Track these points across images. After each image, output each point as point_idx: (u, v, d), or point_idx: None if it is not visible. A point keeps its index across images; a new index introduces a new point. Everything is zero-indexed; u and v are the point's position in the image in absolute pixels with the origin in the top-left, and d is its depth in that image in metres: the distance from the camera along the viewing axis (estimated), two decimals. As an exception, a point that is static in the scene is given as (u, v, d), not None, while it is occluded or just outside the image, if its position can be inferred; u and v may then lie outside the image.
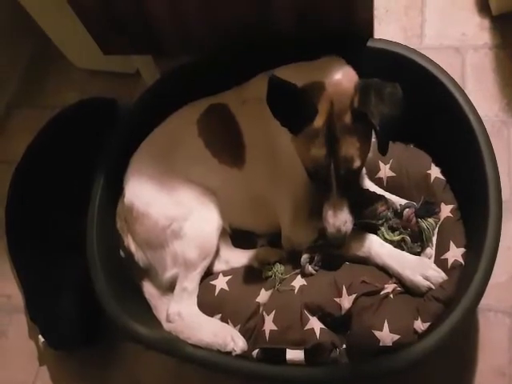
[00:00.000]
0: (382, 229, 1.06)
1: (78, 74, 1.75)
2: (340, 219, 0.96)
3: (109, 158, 1.29)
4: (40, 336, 1.36)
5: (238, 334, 1.08)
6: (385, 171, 1.17)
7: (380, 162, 1.17)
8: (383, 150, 0.93)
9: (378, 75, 1.16)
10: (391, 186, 1.16)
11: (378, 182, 1.18)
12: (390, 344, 0.92)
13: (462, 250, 1.00)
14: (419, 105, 1.15)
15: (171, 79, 1.33)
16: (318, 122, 0.94)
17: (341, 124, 0.93)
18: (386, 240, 1.05)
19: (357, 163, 0.95)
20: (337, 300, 1.01)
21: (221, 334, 1.07)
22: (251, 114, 1.14)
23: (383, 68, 1.14)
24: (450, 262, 0.99)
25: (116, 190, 1.25)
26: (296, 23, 1.19)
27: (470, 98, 1.07)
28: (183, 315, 1.13)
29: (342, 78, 1.00)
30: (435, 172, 1.12)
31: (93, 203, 1.24)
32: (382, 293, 0.99)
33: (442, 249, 1.03)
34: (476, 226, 0.98)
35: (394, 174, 1.16)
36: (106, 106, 1.58)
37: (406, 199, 1.12)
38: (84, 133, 1.52)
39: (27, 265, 1.45)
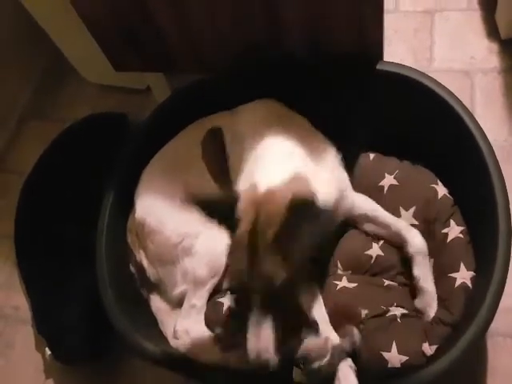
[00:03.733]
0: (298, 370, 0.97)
1: (90, 88, 1.78)
2: (261, 344, 0.85)
3: (119, 172, 1.30)
4: (47, 349, 1.36)
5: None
6: (388, 180, 1.16)
7: (386, 172, 1.17)
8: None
9: (388, 98, 1.16)
10: (391, 194, 1.14)
11: (379, 189, 1.16)
12: (399, 365, 0.92)
13: (472, 273, 1.00)
14: (427, 128, 1.16)
15: (183, 96, 1.35)
16: (241, 230, 0.88)
17: (263, 239, 0.86)
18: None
19: (279, 279, 0.86)
20: None
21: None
22: (235, 151, 1.13)
23: (392, 91, 1.16)
24: (457, 283, 0.98)
25: (126, 204, 1.25)
26: (307, 44, 1.20)
27: (479, 121, 1.08)
28: (190, 332, 1.12)
29: (279, 191, 0.90)
30: (443, 190, 1.11)
31: (102, 217, 1.25)
32: (388, 315, 0.99)
33: (449, 267, 1.01)
34: (485, 250, 0.98)
35: (396, 183, 1.15)
36: (116, 120, 1.60)
37: (405, 209, 1.11)
38: (94, 147, 1.54)
39: (35, 277, 1.46)
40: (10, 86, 1.80)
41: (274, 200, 0.88)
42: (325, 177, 1.00)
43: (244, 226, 0.88)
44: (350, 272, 1.10)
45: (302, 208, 0.86)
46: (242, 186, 0.97)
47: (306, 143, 1.04)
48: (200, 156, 1.18)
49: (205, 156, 1.18)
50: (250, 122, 1.14)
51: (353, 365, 0.95)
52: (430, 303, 1.02)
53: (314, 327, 0.98)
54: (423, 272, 1.04)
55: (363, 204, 1.13)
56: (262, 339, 0.85)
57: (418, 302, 1.04)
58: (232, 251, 0.91)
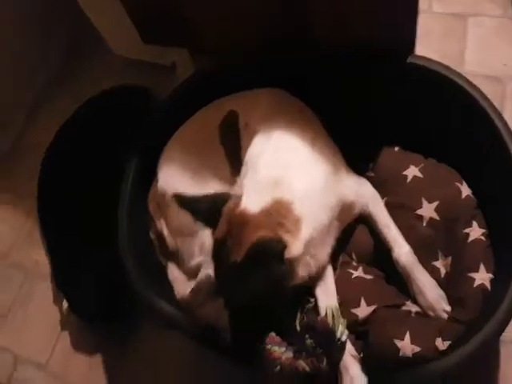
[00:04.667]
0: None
1: (115, 62, 1.78)
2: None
3: (143, 142, 1.32)
4: (64, 302, 1.42)
5: None
6: (413, 170, 1.12)
7: (411, 164, 1.13)
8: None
9: (417, 93, 1.14)
10: (413, 185, 1.10)
11: (402, 178, 1.12)
12: (410, 355, 0.92)
13: (491, 276, 0.98)
14: (456, 128, 1.13)
15: (207, 76, 1.35)
16: (215, 235, 0.94)
17: (226, 257, 0.90)
18: None
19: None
20: (353, 311, 1.02)
21: None
22: (245, 139, 1.15)
23: (422, 87, 1.14)
24: (476, 283, 0.97)
25: (149, 173, 1.27)
26: (335, 35, 1.18)
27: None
28: (203, 301, 1.15)
29: (252, 220, 0.91)
30: (467, 190, 1.08)
31: (125, 183, 1.27)
32: (402, 308, 0.99)
33: (469, 266, 0.99)
34: (505, 255, 0.98)
35: (421, 175, 1.10)
36: (139, 93, 1.61)
37: (427, 201, 1.07)
38: (116, 117, 1.56)
39: (57, 234, 1.51)
40: (36, 56, 1.81)
41: (245, 228, 0.90)
42: (320, 190, 1.00)
43: (217, 234, 0.93)
44: (365, 264, 1.10)
45: (264, 253, 0.87)
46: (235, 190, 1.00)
47: (308, 148, 1.04)
48: (216, 140, 1.21)
49: (222, 140, 1.21)
50: (260, 113, 1.14)
51: (356, 354, 0.96)
52: (432, 304, 1.02)
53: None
54: (416, 284, 1.03)
55: (370, 206, 1.12)
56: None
57: (421, 302, 1.04)
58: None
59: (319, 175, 1.02)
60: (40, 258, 1.58)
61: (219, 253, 0.92)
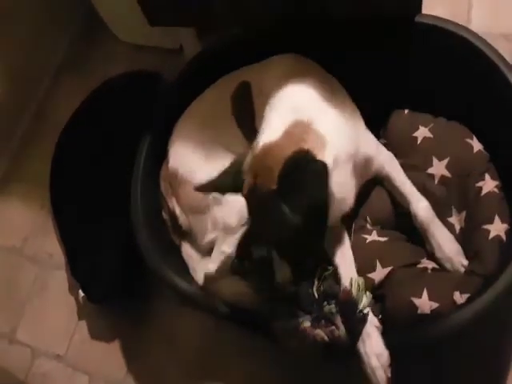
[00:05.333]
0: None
1: (124, 47, 1.78)
2: (281, 276, 0.92)
3: (154, 122, 1.32)
4: (80, 291, 1.41)
5: None
6: (422, 131, 1.12)
7: (420, 125, 1.13)
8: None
9: (427, 54, 1.13)
10: (424, 145, 1.11)
11: (412, 140, 1.12)
12: (428, 312, 0.91)
13: (506, 226, 0.98)
14: (467, 86, 1.12)
15: (214, 51, 1.35)
16: (243, 192, 0.90)
17: (265, 193, 0.86)
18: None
19: (290, 228, 0.84)
20: (369, 275, 1.01)
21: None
22: (260, 107, 1.11)
23: (432, 45, 1.13)
24: (491, 235, 0.97)
25: (160, 153, 1.27)
26: (345, 4, 1.15)
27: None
28: (218, 276, 1.14)
29: (275, 145, 0.88)
30: (478, 145, 1.08)
31: (137, 165, 1.27)
32: (418, 266, 0.99)
33: (484, 219, 0.99)
34: None
35: (431, 135, 1.10)
36: (150, 78, 1.61)
37: (438, 159, 1.07)
38: (129, 102, 1.55)
39: (69, 223, 1.51)
40: (45, 42, 1.82)
41: (269, 157, 0.87)
42: (338, 126, 0.97)
43: (245, 188, 0.89)
44: (379, 227, 1.10)
45: (300, 162, 0.84)
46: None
47: (326, 97, 1.01)
48: (227, 113, 1.20)
49: (234, 111, 1.20)
50: (274, 76, 1.12)
51: (378, 324, 0.94)
52: (450, 256, 1.01)
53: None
54: (434, 238, 1.02)
55: (387, 165, 1.11)
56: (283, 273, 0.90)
57: (439, 256, 1.03)
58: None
59: (341, 121, 0.98)
60: (54, 250, 1.58)
61: (251, 200, 0.88)
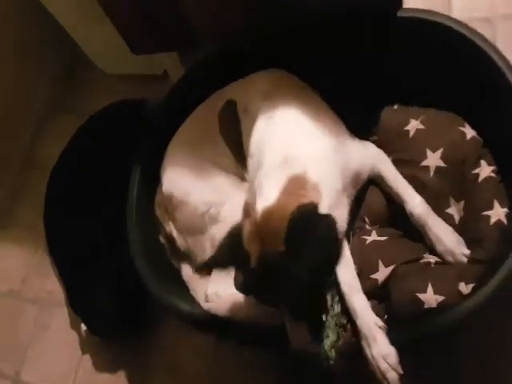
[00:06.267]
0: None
1: (109, 79, 1.81)
2: (302, 339, 0.89)
3: (144, 151, 1.33)
4: (82, 324, 1.39)
5: None
6: (414, 124, 1.11)
7: (411, 118, 1.12)
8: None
9: (412, 47, 1.13)
10: (416, 138, 1.09)
11: (404, 134, 1.11)
12: (435, 305, 0.89)
13: (506, 210, 0.96)
14: (454, 75, 1.13)
15: (196, 71, 1.37)
16: (253, 265, 0.86)
17: (272, 264, 0.84)
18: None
19: (302, 286, 0.84)
20: (373, 276, 1.00)
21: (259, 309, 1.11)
22: (246, 126, 1.14)
23: (417, 38, 1.13)
24: (492, 220, 0.95)
25: (152, 180, 1.27)
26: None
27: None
28: (221, 295, 1.13)
29: (275, 209, 0.88)
30: (471, 131, 1.07)
31: (131, 194, 1.28)
32: (421, 261, 0.97)
33: (483, 205, 0.98)
34: None
35: (422, 127, 1.09)
36: (136, 106, 1.61)
37: (431, 151, 1.06)
38: (116, 133, 1.56)
39: (66, 260, 1.49)
40: (29, 81, 1.83)
41: (272, 220, 0.86)
42: (328, 160, 0.98)
43: (253, 257, 0.86)
44: (377, 226, 1.08)
45: (305, 218, 0.85)
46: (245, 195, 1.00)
47: (310, 120, 1.03)
48: (216, 132, 1.21)
49: (222, 130, 1.20)
50: (258, 94, 1.14)
51: (382, 324, 0.93)
52: (450, 249, 1.00)
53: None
54: (433, 232, 1.02)
55: (378, 166, 1.11)
56: (299, 335, 0.88)
57: (440, 249, 1.01)
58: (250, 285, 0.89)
59: (326, 145, 1.00)
60: (53, 288, 1.56)
61: (261, 268, 0.85)
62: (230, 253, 0.92)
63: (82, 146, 1.62)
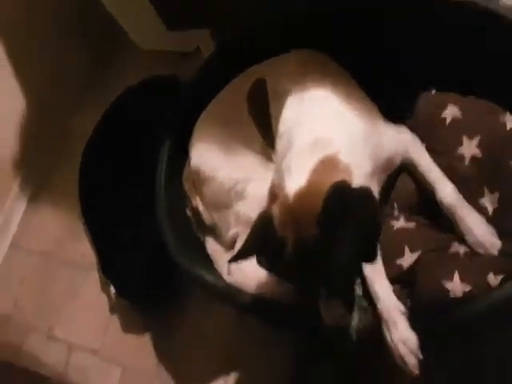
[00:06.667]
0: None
1: (143, 56, 1.83)
2: (335, 316, 0.87)
3: (174, 126, 1.35)
4: (112, 288, 1.46)
5: None
6: (451, 110, 1.06)
7: (449, 104, 1.07)
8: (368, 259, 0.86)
9: (447, 29, 1.08)
10: (453, 125, 1.05)
11: (441, 121, 1.07)
12: (461, 295, 0.86)
13: None
14: (493, 60, 1.08)
15: (228, 48, 1.37)
16: (289, 250, 0.83)
17: (310, 245, 0.82)
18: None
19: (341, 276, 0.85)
20: (398, 262, 0.98)
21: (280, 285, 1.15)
22: (275, 106, 1.13)
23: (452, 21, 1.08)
24: None
25: (181, 155, 1.30)
26: None
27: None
28: (243, 269, 1.14)
29: (307, 190, 0.85)
30: (511, 122, 1.00)
31: (160, 168, 1.30)
32: (450, 250, 0.94)
33: None
34: None
35: (460, 114, 1.05)
36: (168, 82, 1.64)
37: (468, 138, 1.02)
38: (149, 108, 1.59)
39: (99, 226, 1.56)
40: (68, 58, 1.88)
41: (303, 202, 0.84)
42: (360, 143, 0.96)
43: (288, 243, 0.83)
44: (406, 213, 1.06)
45: (340, 195, 0.82)
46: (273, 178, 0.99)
47: (343, 103, 1.01)
48: (244, 112, 1.21)
49: (250, 110, 1.21)
50: (289, 74, 1.12)
51: (403, 308, 0.92)
52: (482, 240, 0.97)
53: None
54: (464, 223, 0.99)
55: (411, 152, 1.09)
56: (335, 313, 0.87)
57: (470, 241, 0.98)
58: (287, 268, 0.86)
59: (358, 128, 0.98)
60: (86, 251, 1.63)
61: (299, 253, 0.83)
62: (261, 240, 0.88)
63: (115, 119, 1.66)
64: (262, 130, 1.18)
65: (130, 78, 1.73)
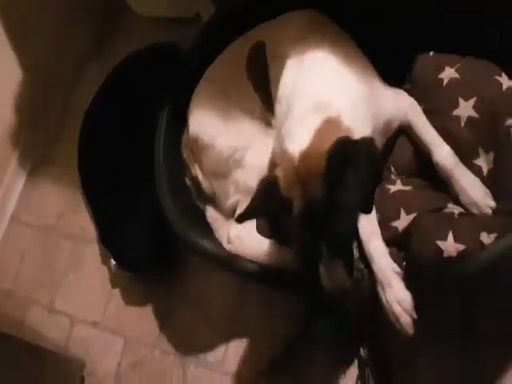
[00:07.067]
0: None
1: (143, 24, 1.83)
2: (336, 277, 0.88)
3: (172, 92, 1.34)
4: (112, 260, 1.47)
5: None
6: (449, 72, 1.08)
7: (446, 66, 1.09)
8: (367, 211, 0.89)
9: None
10: (450, 87, 1.07)
11: (438, 82, 1.08)
12: (455, 254, 0.89)
13: None
14: (491, 19, 1.08)
15: (227, 12, 1.35)
16: (296, 211, 0.84)
17: (317, 203, 0.83)
18: None
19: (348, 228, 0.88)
20: (393, 224, 1.00)
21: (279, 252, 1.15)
22: (276, 70, 1.11)
23: None
24: None
25: (180, 122, 1.30)
26: None
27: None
28: (242, 238, 1.17)
29: (312, 149, 0.86)
30: (507, 82, 1.03)
31: (158, 136, 1.30)
32: (444, 211, 0.97)
33: None
34: None
35: (457, 76, 1.06)
36: (168, 49, 1.64)
37: (464, 100, 1.04)
38: (149, 76, 1.59)
39: (99, 196, 1.57)
40: (68, 28, 1.87)
41: (312, 157, 0.85)
42: (360, 106, 0.97)
43: (296, 203, 0.85)
44: (403, 176, 1.08)
45: (343, 149, 0.84)
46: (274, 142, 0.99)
47: (343, 65, 1.01)
48: (243, 77, 1.20)
49: (250, 75, 1.19)
50: (288, 36, 1.11)
51: (398, 270, 0.94)
52: (476, 200, 0.99)
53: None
54: (459, 184, 1.01)
55: (409, 115, 1.10)
56: (336, 275, 0.88)
57: (465, 201, 1.01)
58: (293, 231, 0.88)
59: (358, 91, 0.99)
60: (86, 224, 1.65)
61: (307, 213, 0.85)
62: (267, 201, 0.89)
63: (115, 88, 1.65)
64: (261, 94, 1.18)
65: (131, 46, 1.72)
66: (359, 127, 0.92)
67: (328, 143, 0.84)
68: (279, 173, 0.88)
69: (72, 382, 1.43)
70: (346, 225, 0.87)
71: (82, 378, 1.45)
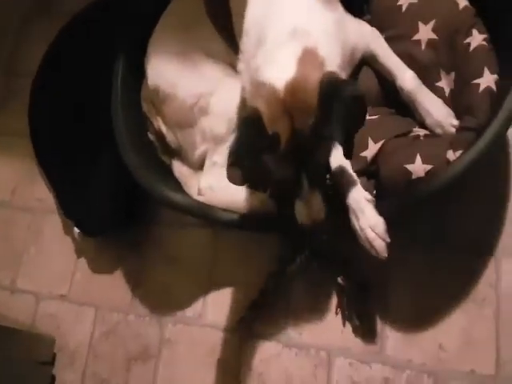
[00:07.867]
0: None
1: None
2: (315, 210, 0.90)
3: (126, 45, 1.30)
4: (75, 228, 1.44)
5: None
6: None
7: None
8: (349, 156, 0.92)
9: None
10: (409, 12, 1.11)
11: (397, 9, 1.12)
12: (423, 175, 0.95)
13: (496, 76, 1.00)
14: None
15: None
16: (283, 145, 0.84)
17: (304, 136, 0.84)
18: None
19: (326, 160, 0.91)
20: (362, 154, 1.04)
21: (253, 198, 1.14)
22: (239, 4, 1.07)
23: None
24: (481, 88, 0.99)
25: (138, 73, 1.26)
26: None
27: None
28: (214, 187, 1.17)
29: (305, 71, 0.85)
30: (463, 1, 1.08)
31: (115, 91, 1.26)
32: (411, 134, 1.02)
33: (473, 74, 1.01)
34: (508, 54, 0.99)
35: (415, 1, 1.11)
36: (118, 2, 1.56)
37: (423, 24, 1.08)
38: (100, 30, 1.52)
39: (55, 164, 1.51)
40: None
41: (300, 89, 0.83)
42: (332, 35, 0.96)
43: (284, 140, 0.84)
44: (370, 107, 1.08)
45: (331, 84, 0.83)
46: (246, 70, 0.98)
47: None
48: (202, 14, 1.17)
49: (208, 10, 1.17)
50: None
51: (370, 197, 0.97)
52: (439, 120, 1.04)
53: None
54: (422, 106, 1.05)
55: (371, 44, 1.11)
56: (314, 207, 0.90)
57: (429, 122, 1.05)
58: (278, 162, 0.87)
59: (330, 19, 0.98)
60: (43, 195, 1.59)
61: (295, 145, 0.84)
62: (250, 139, 0.86)
63: (64, 48, 1.59)
64: (222, 31, 1.15)
65: (74, 5, 1.63)
66: (332, 57, 0.92)
67: (313, 76, 0.84)
68: (261, 106, 0.85)
69: (43, 359, 1.38)
70: (327, 157, 0.90)
71: (54, 354, 1.41)
